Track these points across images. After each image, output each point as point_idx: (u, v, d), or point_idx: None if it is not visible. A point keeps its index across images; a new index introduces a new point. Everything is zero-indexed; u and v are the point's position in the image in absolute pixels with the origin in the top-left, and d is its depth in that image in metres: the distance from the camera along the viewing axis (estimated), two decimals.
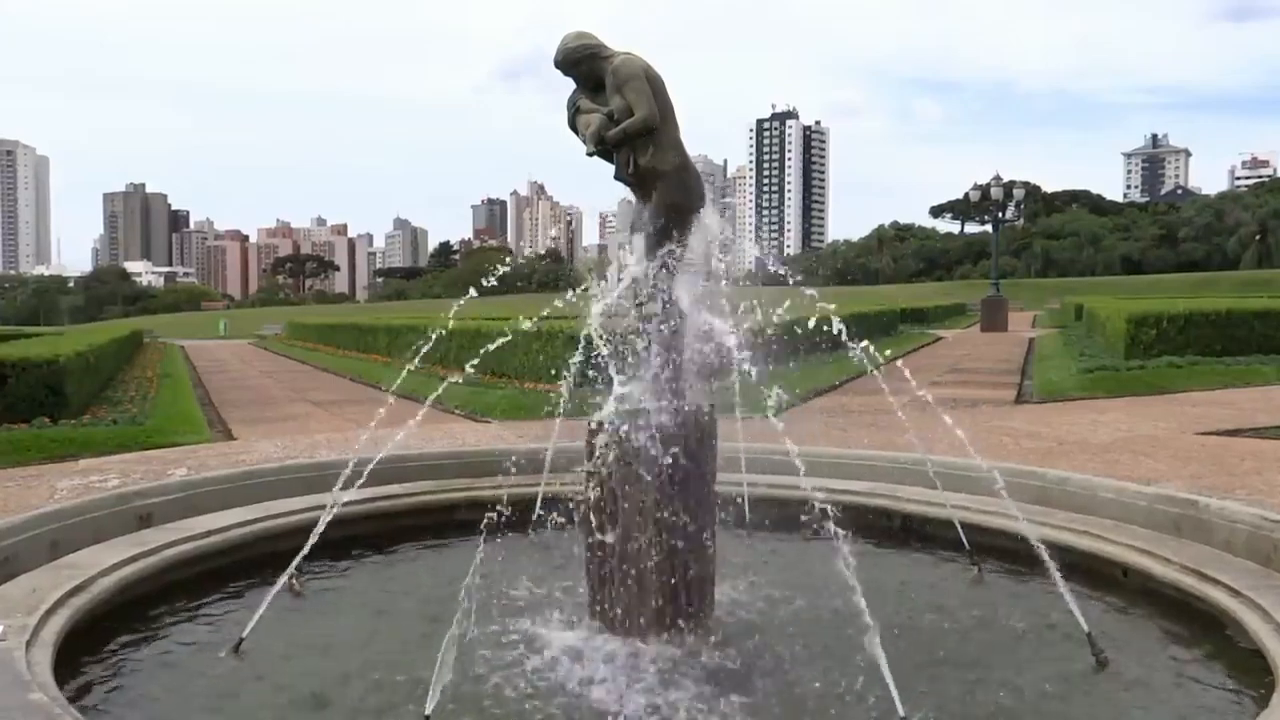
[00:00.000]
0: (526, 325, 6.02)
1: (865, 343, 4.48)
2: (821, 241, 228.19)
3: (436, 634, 3.75)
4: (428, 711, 3.42)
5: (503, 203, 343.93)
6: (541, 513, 5.55)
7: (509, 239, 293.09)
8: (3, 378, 12.20)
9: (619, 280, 4.74)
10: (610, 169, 4.76)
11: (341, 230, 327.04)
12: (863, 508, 6.22)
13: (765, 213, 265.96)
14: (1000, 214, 42.79)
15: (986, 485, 5.31)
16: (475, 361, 5.12)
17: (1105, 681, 4.15)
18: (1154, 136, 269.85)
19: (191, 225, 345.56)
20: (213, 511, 6.04)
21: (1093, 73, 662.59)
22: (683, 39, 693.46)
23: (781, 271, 4.84)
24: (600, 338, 4.74)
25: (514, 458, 5.52)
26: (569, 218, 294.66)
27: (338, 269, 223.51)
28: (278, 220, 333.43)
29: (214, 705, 3.99)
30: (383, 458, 5.33)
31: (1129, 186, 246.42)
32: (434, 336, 5.28)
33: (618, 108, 4.59)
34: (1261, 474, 7.46)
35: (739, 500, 5.62)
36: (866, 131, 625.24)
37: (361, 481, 5.06)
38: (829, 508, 3.79)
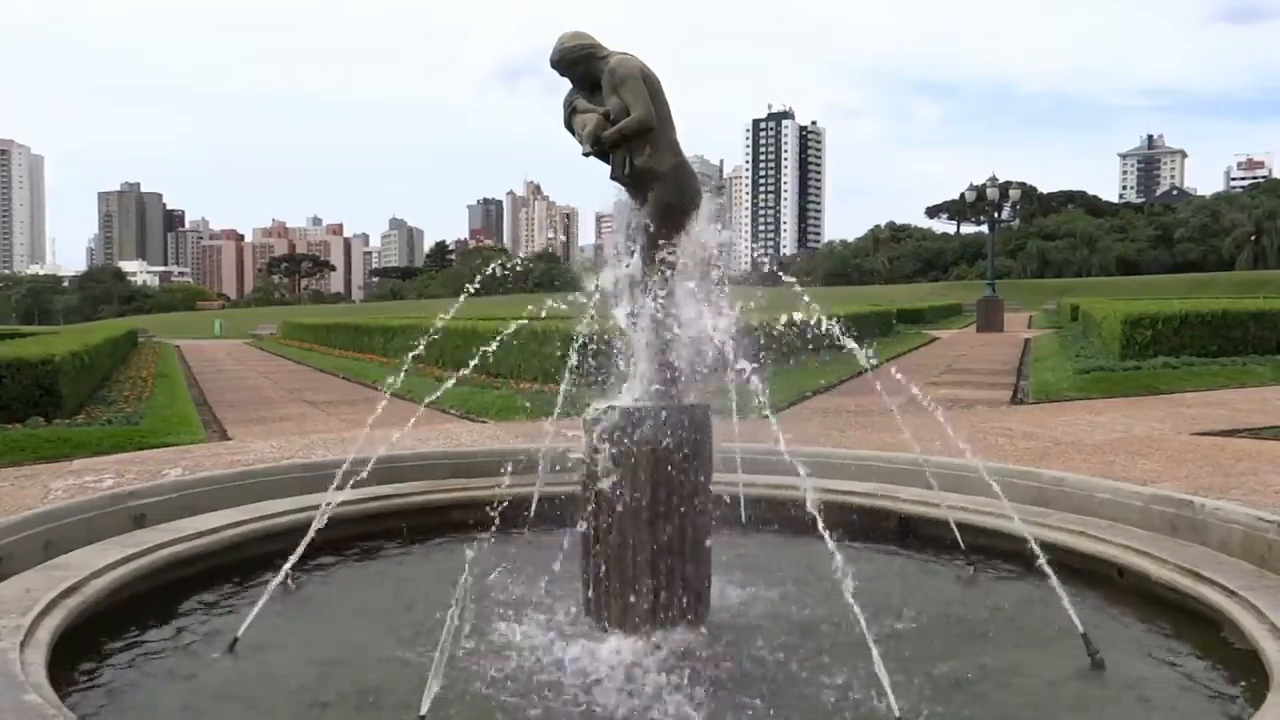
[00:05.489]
0: (512, 327, 6.02)
1: (862, 345, 4.47)
2: (818, 241, 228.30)
3: (432, 632, 3.75)
4: (423, 711, 3.42)
5: (499, 203, 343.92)
6: (537, 512, 5.55)
7: (505, 239, 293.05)
8: None
9: (617, 280, 4.73)
10: (606, 169, 4.75)
11: (337, 230, 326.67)
12: (859, 508, 6.22)
13: (761, 213, 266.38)
14: (996, 214, 42.89)
15: (983, 486, 5.31)
16: (466, 368, 5.11)
17: (1100, 681, 4.15)
18: (1150, 137, 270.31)
19: (187, 225, 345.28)
20: (207, 512, 6.01)
21: (1090, 74, 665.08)
22: (682, 39, 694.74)
23: (781, 276, 4.83)
24: (618, 333, 4.72)
25: (509, 457, 5.51)
26: (565, 218, 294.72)
27: (333, 269, 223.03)
28: (273, 220, 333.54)
29: (209, 705, 3.98)
30: (378, 458, 5.31)
31: (1125, 187, 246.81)
32: (430, 337, 5.27)
33: (614, 108, 4.58)
34: (1257, 474, 7.47)
35: (735, 500, 5.62)
36: (864, 132, 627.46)
37: (356, 482, 5.05)
38: (826, 508, 3.78)
